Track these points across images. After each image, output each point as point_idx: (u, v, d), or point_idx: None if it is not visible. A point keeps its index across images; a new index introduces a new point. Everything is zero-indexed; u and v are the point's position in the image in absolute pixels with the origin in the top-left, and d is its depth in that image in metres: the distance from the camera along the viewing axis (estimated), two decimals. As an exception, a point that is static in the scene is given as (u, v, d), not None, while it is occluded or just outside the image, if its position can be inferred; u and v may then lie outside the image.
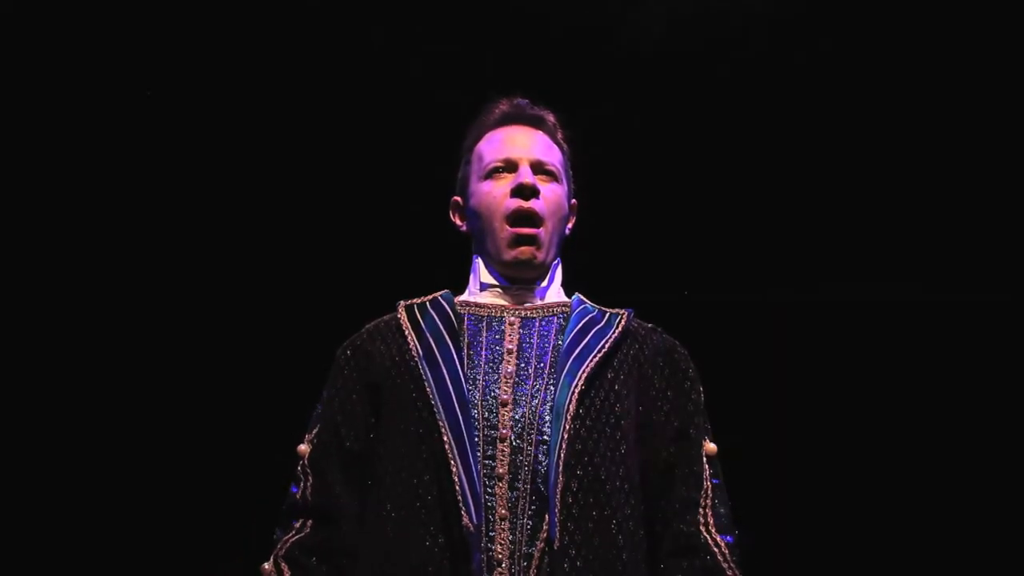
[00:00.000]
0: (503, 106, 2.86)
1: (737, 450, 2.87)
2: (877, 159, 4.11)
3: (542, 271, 2.77)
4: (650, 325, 2.81)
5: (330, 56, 4.08)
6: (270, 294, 4.10)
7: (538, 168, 2.77)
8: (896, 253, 4.13)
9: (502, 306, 2.74)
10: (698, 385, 2.74)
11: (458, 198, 2.86)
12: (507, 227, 2.72)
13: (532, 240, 2.71)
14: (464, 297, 2.80)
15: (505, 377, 2.61)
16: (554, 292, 2.80)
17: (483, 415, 2.56)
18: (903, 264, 4.13)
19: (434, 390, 2.56)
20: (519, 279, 2.76)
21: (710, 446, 2.71)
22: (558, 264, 2.83)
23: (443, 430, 2.52)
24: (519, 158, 2.77)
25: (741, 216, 4.15)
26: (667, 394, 2.71)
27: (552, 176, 2.78)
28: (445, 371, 2.59)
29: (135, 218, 4.11)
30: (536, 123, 2.84)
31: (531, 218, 2.71)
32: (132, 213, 4.11)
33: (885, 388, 4.10)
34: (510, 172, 2.76)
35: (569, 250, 2.88)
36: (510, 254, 2.72)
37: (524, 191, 2.71)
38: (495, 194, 2.74)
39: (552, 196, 2.75)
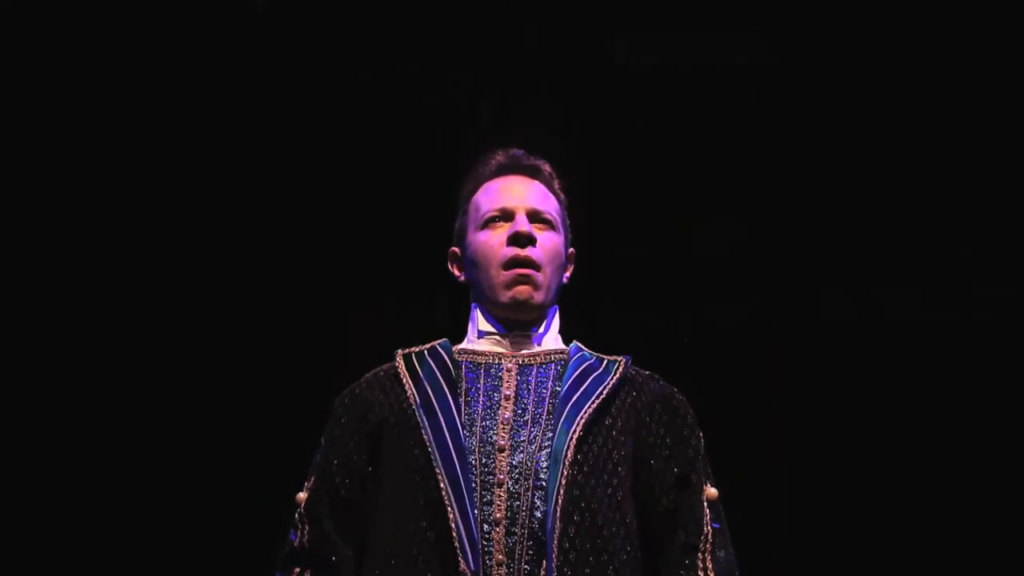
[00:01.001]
0: (499, 157, 2.90)
1: (740, 492, 2.88)
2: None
3: (539, 315, 2.79)
4: (647, 372, 2.82)
5: (326, 103, 4.11)
6: (273, 343, 4.11)
7: (534, 217, 2.80)
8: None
9: (500, 353, 2.76)
10: (697, 431, 2.75)
11: (456, 248, 2.90)
12: (503, 272, 2.74)
13: (529, 280, 2.73)
14: (462, 345, 2.82)
15: (502, 423, 2.62)
16: (551, 339, 2.82)
17: (480, 461, 2.57)
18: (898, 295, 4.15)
19: (431, 437, 2.58)
20: (517, 322, 2.78)
21: (711, 491, 2.71)
22: (555, 311, 2.85)
23: (440, 476, 2.53)
24: (515, 207, 2.80)
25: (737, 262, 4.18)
26: (666, 440, 2.72)
27: (549, 224, 2.81)
28: (442, 418, 2.61)
29: (134, 273, 4.14)
30: (532, 173, 2.88)
31: (528, 262, 2.74)
32: (132, 269, 4.14)
33: (890, 433, 4.10)
34: (507, 221, 2.79)
35: (567, 298, 2.89)
36: (507, 294, 2.74)
37: (520, 239, 2.74)
38: (492, 243, 2.78)
39: (549, 244, 2.78)
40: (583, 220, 2.99)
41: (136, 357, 4.09)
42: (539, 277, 2.74)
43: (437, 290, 3.21)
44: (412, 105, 4.11)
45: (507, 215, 2.79)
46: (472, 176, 2.90)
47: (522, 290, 2.73)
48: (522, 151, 2.90)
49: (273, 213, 4.15)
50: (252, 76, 4.10)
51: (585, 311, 3.08)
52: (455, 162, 3.04)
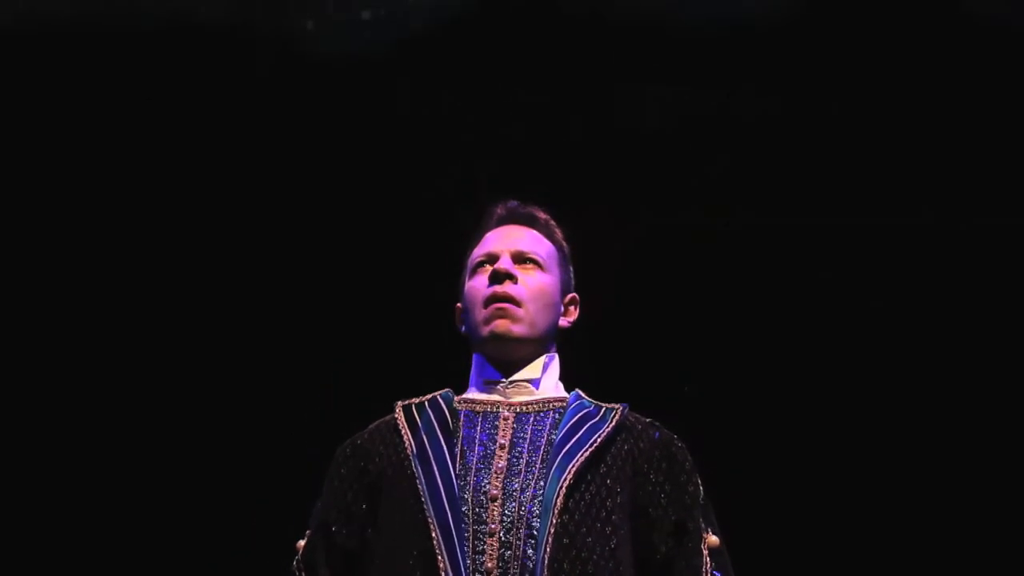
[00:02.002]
0: (498, 210, 2.96)
1: (743, 541, 2.86)
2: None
3: (526, 352, 2.80)
4: (648, 420, 2.81)
5: (333, 165, 4.20)
6: (288, 396, 4.17)
7: (519, 257, 2.84)
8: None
9: (497, 401, 2.78)
10: (695, 477, 2.74)
11: (459, 304, 2.94)
12: (483, 310, 2.78)
13: (506, 313, 2.76)
14: (464, 395, 2.84)
15: (496, 472, 2.63)
16: (551, 387, 2.83)
17: (473, 511, 2.58)
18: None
19: (424, 487, 2.59)
20: (508, 364, 2.80)
21: (712, 539, 2.70)
22: (554, 359, 2.86)
23: (431, 526, 2.54)
24: (500, 251, 2.85)
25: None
26: (664, 487, 2.71)
27: (535, 264, 2.84)
28: (436, 468, 2.62)
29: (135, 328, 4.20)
30: (528, 221, 2.92)
31: (504, 297, 2.77)
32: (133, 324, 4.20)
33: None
34: (492, 264, 2.84)
35: (570, 346, 2.91)
36: (486, 329, 2.77)
37: (498, 276, 2.78)
38: (476, 286, 2.83)
39: (533, 282, 2.81)
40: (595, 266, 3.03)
41: (144, 407, 4.16)
42: (518, 312, 2.76)
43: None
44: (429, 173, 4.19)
45: (492, 259, 2.84)
46: (476, 234, 2.96)
47: (499, 324, 2.76)
48: (517, 202, 2.95)
49: (300, 268, 4.22)
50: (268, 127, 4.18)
51: (593, 357, 3.10)
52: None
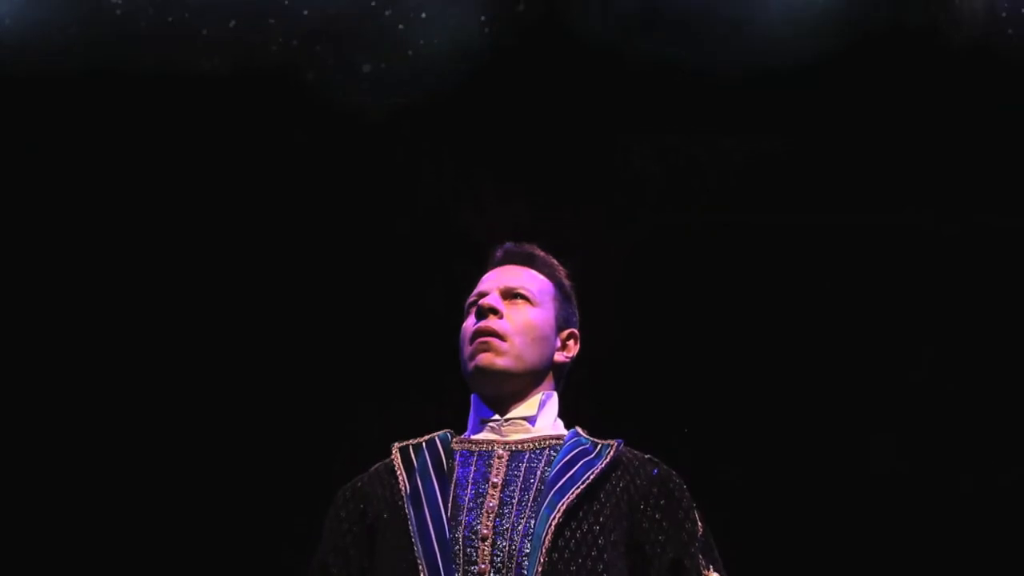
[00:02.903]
0: (497, 253, 2.96)
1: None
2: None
3: (515, 386, 2.79)
4: (647, 456, 2.78)
5: (342, 211, 4.25)
6: (299, 440, 4.18)
7: (507, 293, 2.84)
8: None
9: (493, 441, 2.76)
10: (693, 514, 2.70)
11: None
12: (469, 346, 2.78)
13: (489, 347, 2.75)
14: (462, 435, 2.83)
15: (487, 511, 2.61)
16: (547, 425, 2.80)
17: (464, 551, 2.56)
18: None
19: (415, 528, 2.59)
20: (494, 397, 2.78)
21: (713, 576, 2.67)
22: (551, 396, 2.84)
23: (420, 567, 2.54)
24: (490, 289, 2.85)
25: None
26: (662, 524, 2.67)
27: (524, 299, 2.83)
28: (427, 509, 2.61)
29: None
30: (525, 261, 2.93)
31: (487, 331, 2.77)
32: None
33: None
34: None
35: (572, 383, 2.91)
36: (471, 365, 2.77)
37: (482, 311, 2.79)
38: (466, 325, 2.83)
39: (519, 316, 2.80)
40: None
41: (147, 449, 4.19)
42: (502, 345, 2.75)
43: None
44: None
45: (481, 296, 2.84)
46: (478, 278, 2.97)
47: (482, 357, 2.75)
48: (513, 243, 2.96)
49: (314, 311, 4.26)
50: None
51: (594, 395, 3.10)
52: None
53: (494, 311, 2.78)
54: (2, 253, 4.20)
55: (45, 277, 4.22)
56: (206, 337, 4.22)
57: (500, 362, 2.75)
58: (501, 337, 2.76)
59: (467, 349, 2.79)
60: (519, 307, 2.82)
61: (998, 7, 3.97)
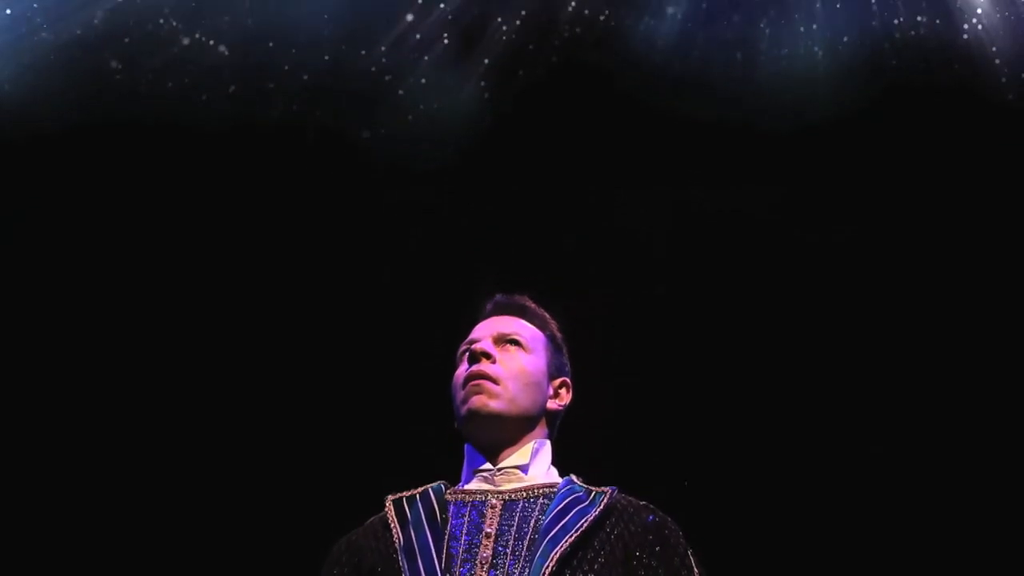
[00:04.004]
0: (488, 305, 2.96)
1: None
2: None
3: (508, 432, 2.76)
4: (642, 502, 2.74)
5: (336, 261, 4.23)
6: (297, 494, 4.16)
7: (500, 339, 2.83)
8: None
9: (487, 490, 2.72)
10: (689, 560, 2.66)
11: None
12: (462, 391, 2.76)
13: (482, 389, 2.73)
14: (456, 487, 2.79)
15: (480, 562, 2.58)
16: (541, 473, 2.77)
17: None
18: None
19: None
20: (487, 443, 2.75)
21: (710, 620, 2.63)
22: (544, 444, 2.80)
23: None
24: (481, 336, 2.84)
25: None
26: (658, 571, 2.63)
27: (517, 344, 2.83)
28: (420, 561, 2.58)
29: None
30: (517, 312, 2.92)
31: (480, 375, 2.75)
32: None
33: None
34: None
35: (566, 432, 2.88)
36: (464, 408, 2.75)
37: (475, 356, 2.77)
38: (458, 372, 2.82)
39: (512, 361, 2.79)
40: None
41: (151, 502, 4.19)
42: (495, 388, 2.73)
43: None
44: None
45: (473, 343, 2.83)
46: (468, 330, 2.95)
47: (475, 400, 2.73)
48: (504, 295, 2.95)
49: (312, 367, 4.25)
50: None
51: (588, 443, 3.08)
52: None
53: (487, 355, 2.77)
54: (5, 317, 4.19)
55: (47, 338, 4.21)
56: (205, 389, 4.22)
57: (493, 404, 2.73)
58: (494, 380, 2.74)
59: (459, 394, 2.77)
60: (512, 353, 2.81)
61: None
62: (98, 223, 4.24)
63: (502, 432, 2.75)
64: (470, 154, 4.25)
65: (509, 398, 2.74)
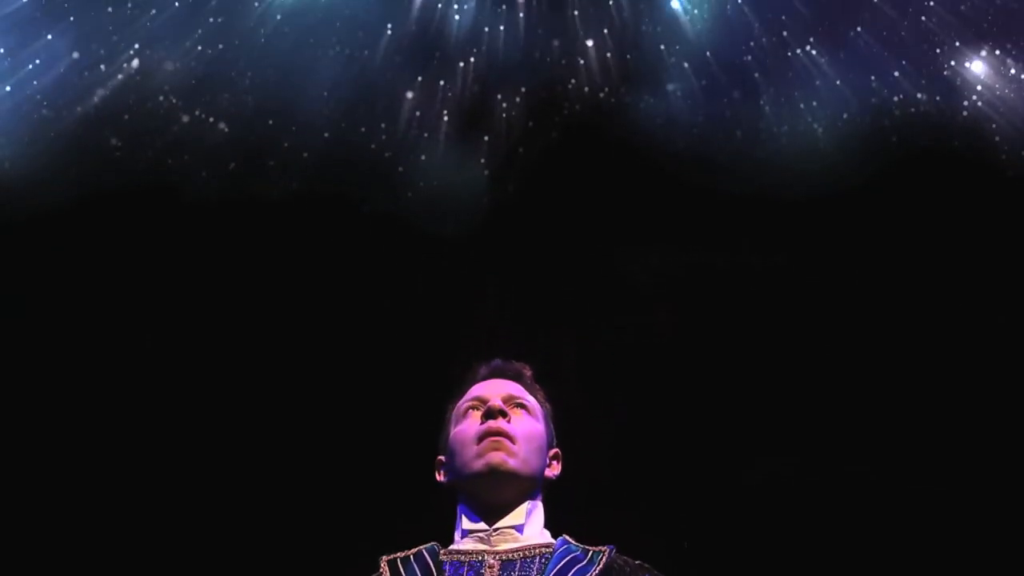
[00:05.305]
0: (483, 369, 2.93)
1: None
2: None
3: (517, 491, 2.72)
4: (638, 562, 2.71)
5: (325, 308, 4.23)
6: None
7: (509, 401, 2.80)
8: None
9: (483, 551, 2.68)
10: None
11: (440, 456, 2.87)
12: (476, 445, 2.72)
13: (501, 446, 2.69)
14: (450, 547, 2.75)
15: (479, 621, 2.54)
16: (535, 533, 2.73)
17: None
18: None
19: None
20: (491, 502, 2.71)
21: None
22: (537, 505, 2.77)
23: None
24: (490, 395, 2.81)
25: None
26: None
27: (525, 409, 2.81)
28: None
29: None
30: (514, 376, 2.90)
31: (500, 432, 2.71)
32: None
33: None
34: (482, 405, 2.79)
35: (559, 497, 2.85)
36: (480, 463, 2.70)
37: (492, 412, 2.74)
38: (467, 426, 2.78)
39: (524, 423, 2.77)
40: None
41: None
42: (512, 447, 2.70)
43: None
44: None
45: (482, 401, 2.80)
46: (459, 390, 2.92)
47: (494, 456, 2.69)
48: (501, 360, 2.93)
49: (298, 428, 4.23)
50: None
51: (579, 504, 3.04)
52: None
53: (503, 413, 2.74)
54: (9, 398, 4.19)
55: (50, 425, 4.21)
56: (203, 455, 4.19)
57: (512, 463, 2.69)
58: (512, 439, 2.71)
59: (471, 449, 2.71)
60: (521, 416, 2.79)
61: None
62: (99, 300, 4.23)
63: (511, 491, 2.72)
64: (470, 230, 4.25)
65: (524, 458, 2.71)
